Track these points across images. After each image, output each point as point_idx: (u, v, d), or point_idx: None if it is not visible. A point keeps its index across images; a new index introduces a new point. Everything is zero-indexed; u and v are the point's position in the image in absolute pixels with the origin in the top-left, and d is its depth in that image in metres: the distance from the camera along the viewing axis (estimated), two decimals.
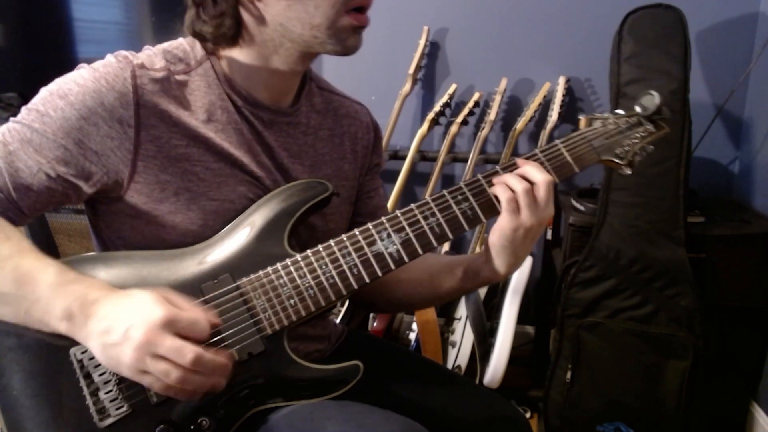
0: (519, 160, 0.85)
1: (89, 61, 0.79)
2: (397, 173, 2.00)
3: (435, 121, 2.01)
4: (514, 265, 0.86)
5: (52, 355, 0.74)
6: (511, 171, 0.84)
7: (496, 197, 0.83)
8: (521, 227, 0.81)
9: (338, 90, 0.99)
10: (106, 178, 0.76)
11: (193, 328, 0.68)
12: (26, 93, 0.82)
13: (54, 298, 0.69)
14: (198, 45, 0.83)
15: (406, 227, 0.81)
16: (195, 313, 0.69)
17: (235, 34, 0.80)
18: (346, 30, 0.79)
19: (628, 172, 0.92)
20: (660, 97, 0.91)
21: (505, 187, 0.82)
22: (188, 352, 0.65)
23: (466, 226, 0.83)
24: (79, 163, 0.74)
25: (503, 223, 0.82)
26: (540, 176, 0.82)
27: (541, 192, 0.81)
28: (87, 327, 0.68)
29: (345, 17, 0.78)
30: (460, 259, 0.93)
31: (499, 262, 0.85)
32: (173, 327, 0.66)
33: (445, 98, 2.00)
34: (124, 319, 0.66)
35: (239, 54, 0.82)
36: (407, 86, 2.02)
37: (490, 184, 0.84)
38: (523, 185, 0.81)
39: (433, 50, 2.10)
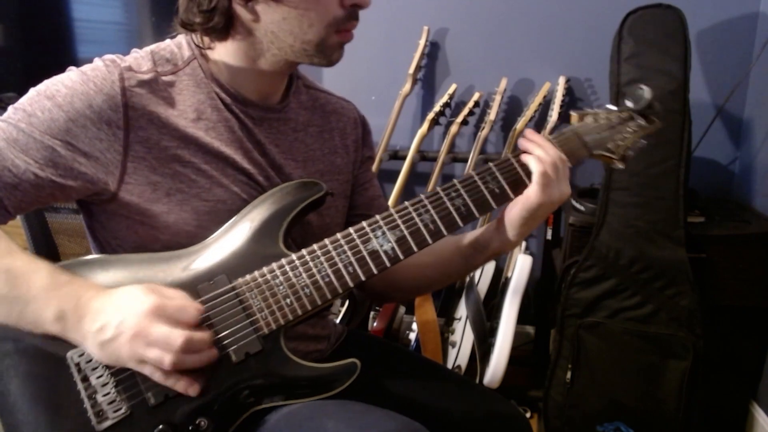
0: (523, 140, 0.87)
1: (89, 62, 0.79)
2: (397, 173, 2.00)
3: (435, 121, 2.01)
4: (525, 235, 0.87)
5: (50, 359, 0.73)
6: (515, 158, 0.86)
7: (524, 174, 0.84)
8: (548, 201, 0.83)
9: (324, 88, 1.00)
10: (95, 179, 0.76)
11: (182, 313, 0.70)
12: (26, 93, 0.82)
13: (47, 301, 0.69)
14: (185, 45, 0.84)
15: (401, 225, 0.82)
16: (183, 301, 0.72)
17: (224, 29, 0.80)
18: (334, 46, 0.81)
19: (621, 166, 0.93)
20: (650, 91, 0.92)
21: (538, 159, 0.84)
22: (177, 336, 0.68)
23: (460, 222, 0.83)
24: (68, 165, 0.74)
25: (531, 197, 0.83)
26: (556, 151, 0.85)
27: (561, 165, 0.84)
28: (81, 328, 0.70)
29: (334, 36, 0.80)
30: (465, 235, 0.94)
31: (513, 234, 0.86)
32: (162, 314, 0.69)
33: (445, 98, 2.00)
34: (115, 314, 0.69)
35: (226, 53, 0.83)
36: (407, 86, 2.01)
37: (486, 180, 0.84)
38: (551, 158, 0.83)
39: (433, 50, 2.10)
